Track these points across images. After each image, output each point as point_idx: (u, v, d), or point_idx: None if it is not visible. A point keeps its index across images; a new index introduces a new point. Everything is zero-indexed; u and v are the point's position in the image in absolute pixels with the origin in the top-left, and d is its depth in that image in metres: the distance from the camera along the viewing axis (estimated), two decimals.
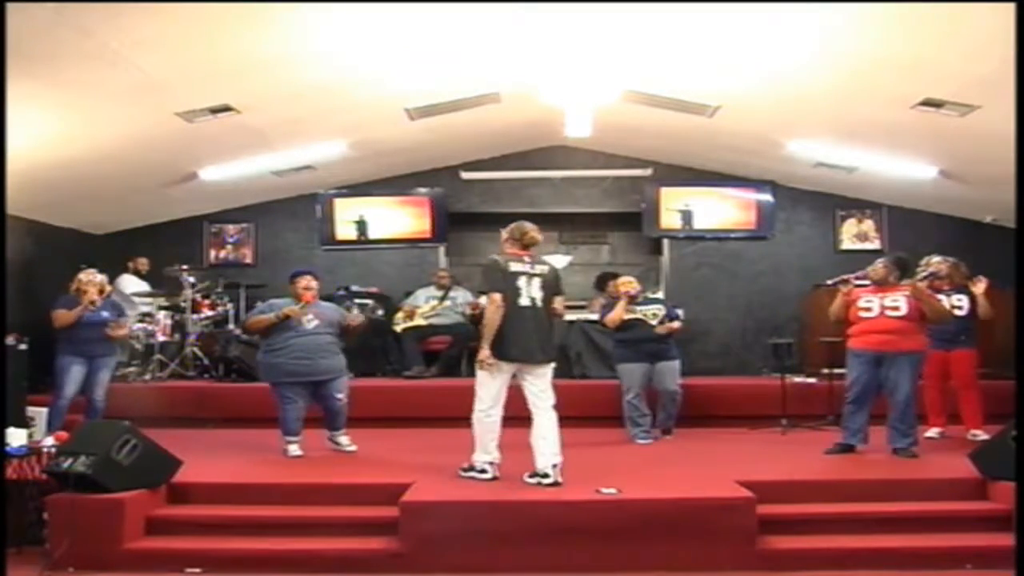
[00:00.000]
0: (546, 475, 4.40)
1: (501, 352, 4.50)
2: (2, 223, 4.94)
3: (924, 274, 5.62)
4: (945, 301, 5.68)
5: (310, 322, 5.49)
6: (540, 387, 4.60)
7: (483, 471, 4.60)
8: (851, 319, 5.43)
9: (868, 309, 5.33)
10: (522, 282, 4.58)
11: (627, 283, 6.29)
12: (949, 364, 5.84)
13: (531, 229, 4.71)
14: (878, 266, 5.43)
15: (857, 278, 5.55)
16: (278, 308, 5.55)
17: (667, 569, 3.89)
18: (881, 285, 5.37)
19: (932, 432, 5.89)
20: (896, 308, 5.24)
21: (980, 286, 5.90)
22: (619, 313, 6.14)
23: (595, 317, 7.46)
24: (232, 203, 9.15)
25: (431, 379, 7.77)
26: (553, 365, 4.70)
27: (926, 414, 5.89)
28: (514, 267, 4.60)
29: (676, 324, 6.24)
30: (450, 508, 4.13)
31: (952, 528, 4.16)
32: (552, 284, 4.69)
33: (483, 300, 5.94)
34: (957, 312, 5.76)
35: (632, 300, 6.21)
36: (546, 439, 4.47)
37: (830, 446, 5.40)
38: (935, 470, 4.82)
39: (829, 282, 5.75)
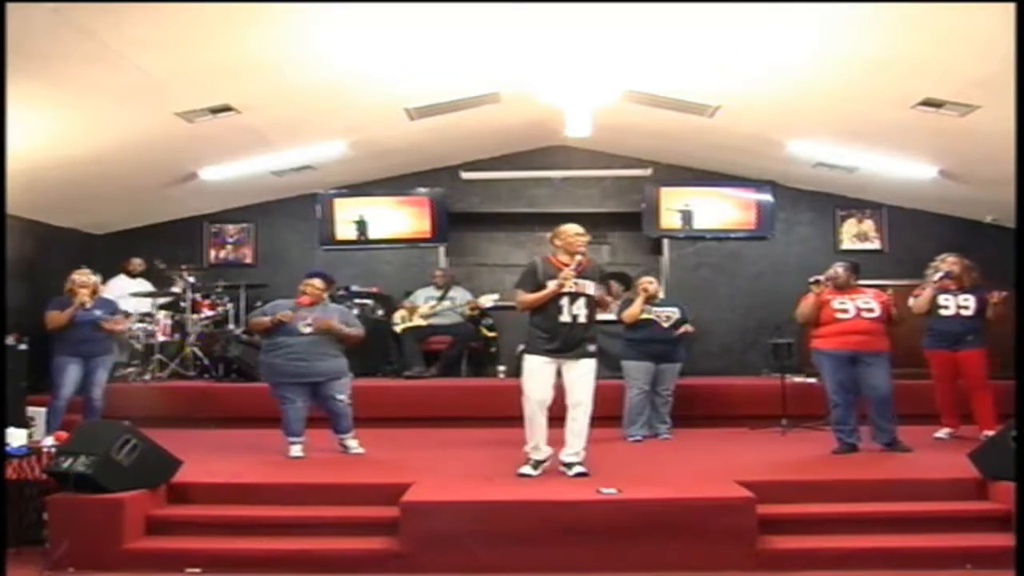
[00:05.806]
0: None
1: None
2: (2, 223, 4.94)
3: (939, 275, 5.61)
4: (951, 301, 5.68)
5: (307, 325, 5.49)
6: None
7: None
8: (823, 320, 5.46)
9: (844, 311, 5.41)
10: None
11: (650, 282, 6.43)
12: (958, 364, 5.76)
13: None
14: (839, 270, 5.52)
15: (827, 279, 5.49)
16: (282, 308, 5.58)
17: (667, 569, 3.88)
18: (843, 288, 5.45)
19: (942, 433, 5.83)
20: (871, 309, 5.40)
21: (995, 297, 5.64)
22: (636, 309, 6.23)
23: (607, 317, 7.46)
24: (232, 203, 9.14)
25: (431, 379, 7.77)
26: None
27: (937, 415, 5.87)
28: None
29: (690, 328, 6.35)
30: (450, 508, 4.12)
31: (952, 528, 4.15)
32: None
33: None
34: (963, 312, 5.71)
35: (650, 299, 6.30)
36: None
37: (836, 446, 5.39)
38: (935, 470, 4.81)
39: (810, 280, 5.55)
